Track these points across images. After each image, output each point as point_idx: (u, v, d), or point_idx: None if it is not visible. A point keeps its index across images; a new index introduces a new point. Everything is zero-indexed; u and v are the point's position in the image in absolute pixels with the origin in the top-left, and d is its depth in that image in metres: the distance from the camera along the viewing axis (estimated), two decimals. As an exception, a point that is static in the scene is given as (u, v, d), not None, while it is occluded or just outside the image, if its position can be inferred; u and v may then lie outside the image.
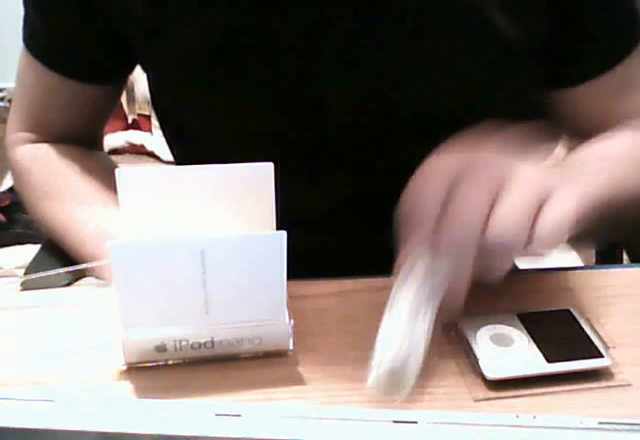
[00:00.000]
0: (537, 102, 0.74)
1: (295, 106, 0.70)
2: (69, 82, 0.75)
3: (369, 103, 0.69)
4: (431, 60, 0.67)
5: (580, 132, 0.72)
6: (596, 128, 0.71)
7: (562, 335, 0.54)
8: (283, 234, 0.49)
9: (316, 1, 0.65)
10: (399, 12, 0.65)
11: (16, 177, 0.80)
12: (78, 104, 0.78)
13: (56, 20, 0.73)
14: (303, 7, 0.66)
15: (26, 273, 0.74)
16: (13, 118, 0.80)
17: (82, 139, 0.80)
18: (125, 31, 0.71)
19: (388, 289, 0.62)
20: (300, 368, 0.53)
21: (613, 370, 0.52)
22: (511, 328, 0.54)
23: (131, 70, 0.79)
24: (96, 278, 0.64)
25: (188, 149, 0.80)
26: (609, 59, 0.69)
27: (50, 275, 0.61)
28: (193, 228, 0.51)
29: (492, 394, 0.50)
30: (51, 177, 0.76)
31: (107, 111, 0.84)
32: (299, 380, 0.52)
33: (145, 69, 0.76)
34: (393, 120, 0.70)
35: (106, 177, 0.74)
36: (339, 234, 0.76)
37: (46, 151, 0.78)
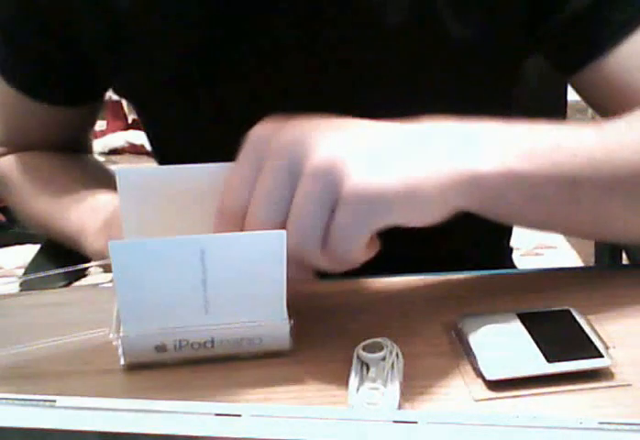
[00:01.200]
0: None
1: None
2: (41, 105, 0.75)
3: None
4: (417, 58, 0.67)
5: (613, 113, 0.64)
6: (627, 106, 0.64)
7: (562, 335, 0.54)
8: (283, 233, 0.48)
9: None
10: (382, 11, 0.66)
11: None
12: (52, 124, 0.79)
13: (24, 47, 0.72)
14: (295, 6, 0.66)
15: (25, 273, 0.74)
16: None
17: (62, 150, 0.81)
18: (96, 56, 0.70)
19: (388, 289, 0.62)
20: (300, 368, 0.53)
21: (613, 370, 0.52)
22: (511, 328, 0.54)
23: (105, 91, 0.79)
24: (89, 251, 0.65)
25: (177, 154, 0.80)
26: (627, 24, 0.65)
27: (50, 275, 0.61)
28: (192, 228, 0.51)
29: (492, 394, 0.50)
30: (28, 176, 0.77)
31: (87, 126, 0.85)
32: (299, 380, 0.52)
33: (120, 94, 0.76)
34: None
35: (88, 170, 0.75)
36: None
37: (19, 158, 0.79)
